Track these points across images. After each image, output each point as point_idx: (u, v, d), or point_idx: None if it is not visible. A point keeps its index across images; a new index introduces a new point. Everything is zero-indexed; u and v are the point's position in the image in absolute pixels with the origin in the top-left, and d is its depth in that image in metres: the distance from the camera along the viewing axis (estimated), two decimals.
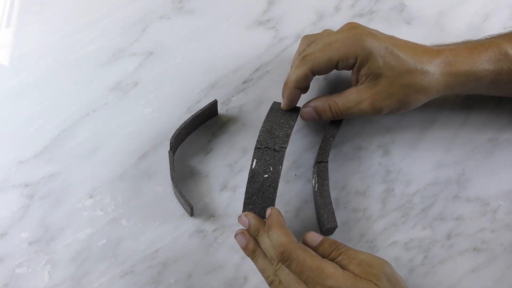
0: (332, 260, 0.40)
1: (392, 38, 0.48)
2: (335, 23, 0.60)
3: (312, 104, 0.50)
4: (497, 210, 0.50)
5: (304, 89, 0.50)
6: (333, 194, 0.51)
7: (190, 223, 0.50)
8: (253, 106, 0.56)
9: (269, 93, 0.56)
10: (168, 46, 0.59)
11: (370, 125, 0.55)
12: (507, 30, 0.51)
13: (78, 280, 0.47)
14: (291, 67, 0.52)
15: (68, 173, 0.52)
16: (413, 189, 0.51)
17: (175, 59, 0.59)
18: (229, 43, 0.60)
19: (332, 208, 0.47)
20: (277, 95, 0.56)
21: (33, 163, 0.52)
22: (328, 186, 0.48)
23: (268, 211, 0.44)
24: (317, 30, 0.60)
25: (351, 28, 0.48)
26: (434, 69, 0.47)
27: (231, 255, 0.49)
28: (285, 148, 0.46)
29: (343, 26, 0.50)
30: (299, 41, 0.59)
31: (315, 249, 0.41)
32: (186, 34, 0.60)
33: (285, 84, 0.50)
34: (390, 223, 0.50)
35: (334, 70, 0.49)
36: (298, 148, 0.54)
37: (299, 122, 0.54)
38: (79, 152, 0.53)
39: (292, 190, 0.52)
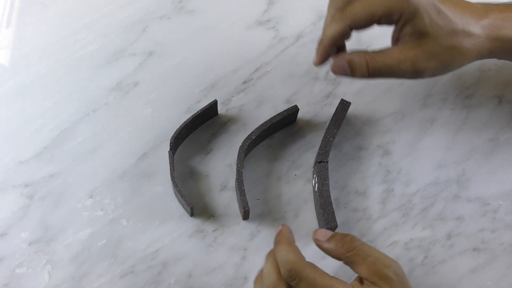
0: (345, 253, 0.39)
1: None
2: None
3: (347, 57, 0.44)
4: (497, 210, 0.50)
5: (341, 46, 0.46)
6: (333, 194, 0.51)
7: (190, 223, 0.50)
8: (253, 106, 0.56)
9: (269, 93, 0.56)
10: (168, 46, 0.59)
11: (370, 125, 0.55)
12: None
13: (78, 280, 0.47)
14: (327, 12, 0.46)
15: (68, 173, 0.52)
16: (413, 189, 0.51)
17: (175, 59, 0.59)
18: (229, 43, 0.60)
19: (332, 208, 0.47)
20: (278, 95, 0.56)
21: (33, 163, 0.52)
22: (328, 186, 0.48)
23: (279, 228, 0.41)
24: (317, 30, 0.60)
25: None
26: (481, 31, 0.44)
27: (231, 255, 0.49)
28: (249, 139, 0.50)
29: None
30: (299, 41, 0.59)
31: (326, 242, 0.40)
32: (186, 34, 0.60)
33: (321, 40, 0.45)
34: (390, 223, 0.50)
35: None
36: (298, 148, 0.54)
37: (298, 123, 0.54)
38: (79, 152, 0.53)
39: (292, 190, 0.52)
